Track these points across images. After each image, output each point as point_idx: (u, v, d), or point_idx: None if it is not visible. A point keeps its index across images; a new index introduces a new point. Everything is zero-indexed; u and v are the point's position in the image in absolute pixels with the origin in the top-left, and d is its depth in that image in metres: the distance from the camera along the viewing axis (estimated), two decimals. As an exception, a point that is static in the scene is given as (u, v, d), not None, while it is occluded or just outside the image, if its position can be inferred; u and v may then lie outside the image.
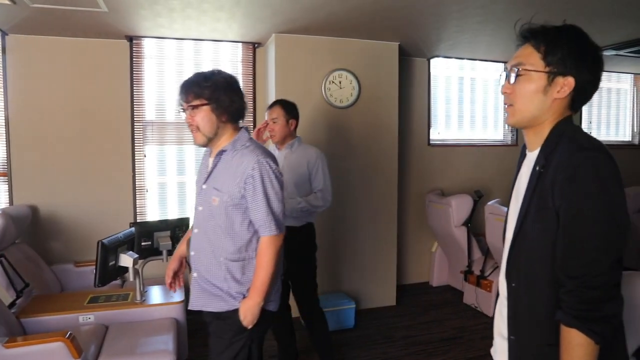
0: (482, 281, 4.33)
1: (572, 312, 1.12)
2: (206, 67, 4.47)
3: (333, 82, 4.20)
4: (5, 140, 4.01)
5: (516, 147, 5.66)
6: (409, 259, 5.17)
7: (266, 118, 3.08)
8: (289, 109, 3.06)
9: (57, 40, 4.03)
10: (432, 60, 5.12)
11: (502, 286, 1.36)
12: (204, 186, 2.01)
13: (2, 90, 3.98)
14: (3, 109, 3.99)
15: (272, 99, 4.19)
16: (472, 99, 5.55)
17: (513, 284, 1.29)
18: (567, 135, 1.22)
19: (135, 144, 4.28)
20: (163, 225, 3.41)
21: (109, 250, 2.97)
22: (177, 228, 3.41)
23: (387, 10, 3.44)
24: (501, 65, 5.52)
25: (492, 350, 1.47)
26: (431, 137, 5.25)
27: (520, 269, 1.27)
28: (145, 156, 4.32)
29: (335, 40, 4.19)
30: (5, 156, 4.02)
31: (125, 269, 3.13)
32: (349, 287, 4.41)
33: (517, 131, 5.66)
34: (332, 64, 4.19)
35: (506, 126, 5.70)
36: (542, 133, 1.28)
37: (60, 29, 3.82)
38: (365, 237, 4.43)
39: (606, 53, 4.82)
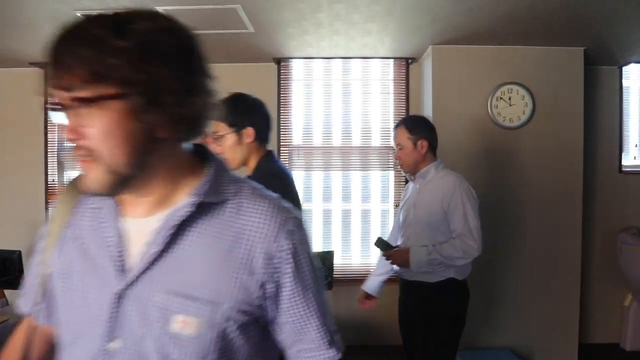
0: None
1: None
2: (355, 87, 4.28)
3: (501, 98, 3.59)
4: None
5: None
6: (593, 313, 4.20)
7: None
8: (414, 127, 2.42)
9: (210, 68, 4.06)
10: (624, 68, 4.19)
11: None
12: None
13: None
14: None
15: (427, 119, 3.74)
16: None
17: None
18: (262, 167, 1.83)
19: (281, 170, 4.12)
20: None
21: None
22: (321, 262, 3.11)
23: (577, 3, 2.77)
24: None
25: None
26: (623, 163, 4.27)
27: None
28: (290, 182, 4.14)
29: (503, 49, 3.60)
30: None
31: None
32: (517, 343, 3.67)
33: None
34: (499, 77, 3.60)
35: None
36: (252, 167, 1.85)
37: (211, 55, 3.81)
38: (539, 283, 3.67)
39: None
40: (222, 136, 1.80)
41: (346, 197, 4.24)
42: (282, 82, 4.10)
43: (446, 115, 3.57)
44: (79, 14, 2.90)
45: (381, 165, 4.20)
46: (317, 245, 4.17)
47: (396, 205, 4.17)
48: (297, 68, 4.15)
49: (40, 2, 2.72)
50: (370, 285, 2.63)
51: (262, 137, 1.86)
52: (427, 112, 3.75)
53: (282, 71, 4.09)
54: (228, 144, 1.81)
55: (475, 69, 3.62)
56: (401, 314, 2.54)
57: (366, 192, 4.25)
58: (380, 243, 2.45)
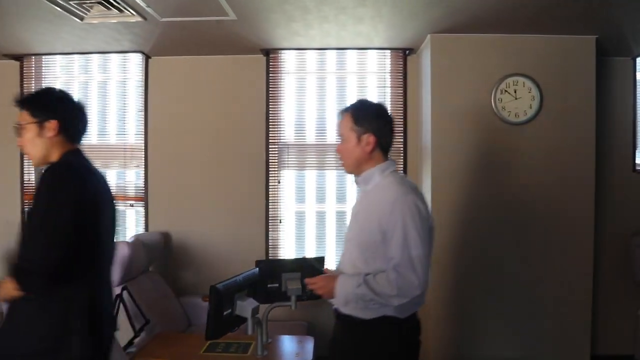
0: None
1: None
2: (350, 81, 4.02)
3: (506, 91, 3.32)
4: (144, 164, 3.92)
5: None
6: (606, 322, 3.92)
7: None
8: (362, 116, 1.89)
9: (195, 60, 3.89)
10: (638, 59, 3.90)
11: None
12: None
13: (143, 113, 3.92)
14: (143, 133, 3.93)
15: (426, 116, 3.47)
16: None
17: None
18: (67, 161, 1.75)
19: (270, 169, 3.88)
20: (294, 265, 2.88)
21: (223, 297, 2.50)
22: (311, 271, 2.82)
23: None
24: None
25: None
26: (637, 161, 3.98)
27: None
28: (279, 182, 3.89)
29: (508, 38, 3.34)
30: (143, 181, 3.92)
31: (244, 319, 2.66)
32: (524, 355, 3.42)
33: None
34: (504, 69, 3.34)
35: None
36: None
37: (196, 46, 3.66)
38: (547, 290, 3.41)
39: None
40: (22, 126, 1.77)
41: (341, 198, 3.98)
42: (270, 74, 3.85)
43: (447, 109, 3.33)
44: (49, 4, 2.70)
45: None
46: (310, 248, 3.94)
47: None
48: (287, 60, 3.89)
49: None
50: None
51: (69, 133, 1.80)
52: (426, 106, 3.49)
53: (271, 63, 3.84)
54: (28, 136, 1.77)
55: (477, 60, 3.36)
56: (330, 341, 2.09)
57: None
58: (304, 265, 1.94)
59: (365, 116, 1.89)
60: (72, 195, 1.62)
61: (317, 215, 3.99)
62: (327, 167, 3.94)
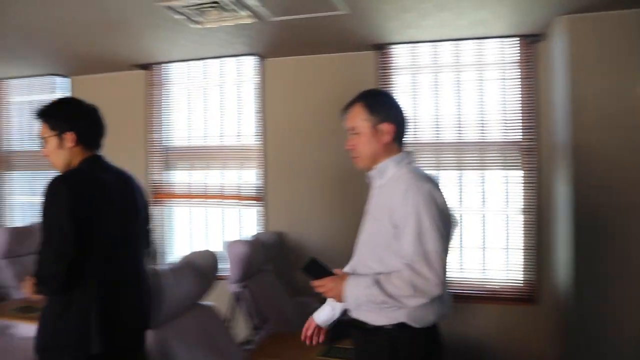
0: None
1: None
2: (468, 74, 3.62)
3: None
4: (263, 165, 4.02)
5: None
6: None
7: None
8: (376, 105, 1.73)
9: (306, 60, 3.88)
10: None
11: None
12: None
13: (262, 114, 4.00)
14: (262, 134, 4.01)
15: (560, 110, 3.09)
16: None
17: None
18: (66, 174, 1.85)
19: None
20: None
21: (343, 302, 2.43)
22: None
23: None
24: None
25: None
26: None
27: None
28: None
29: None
30: (262, 181, 4.02)
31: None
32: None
33: None
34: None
35: None
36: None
37: (306, 46, 3.64)
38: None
39: None
40: (45, 139, 1.89)
41: (460, 200, 3.69)
42: (381, 71, 3.70)
43: (586, 105, 2.88)
44: (169, 12, 2.80)
45: (503, 164, 3.56)
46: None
47: (524, 212, 3.54)
48: (399, 55, 3.72)
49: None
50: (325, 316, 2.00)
51: (87, 142, 1.91)
52: (560, 99, 3.09)
53: (380, 59, 3.69)
54: (50, 148, 1.89)
55: (624, 42, 2.85)
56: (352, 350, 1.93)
57: (485, 194, 3.65)
58: (312, 267, 1.76)
59: (380, 104, 1.75)
60: (68, 207, 1.69)
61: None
62: (444, 167, 3.67)
